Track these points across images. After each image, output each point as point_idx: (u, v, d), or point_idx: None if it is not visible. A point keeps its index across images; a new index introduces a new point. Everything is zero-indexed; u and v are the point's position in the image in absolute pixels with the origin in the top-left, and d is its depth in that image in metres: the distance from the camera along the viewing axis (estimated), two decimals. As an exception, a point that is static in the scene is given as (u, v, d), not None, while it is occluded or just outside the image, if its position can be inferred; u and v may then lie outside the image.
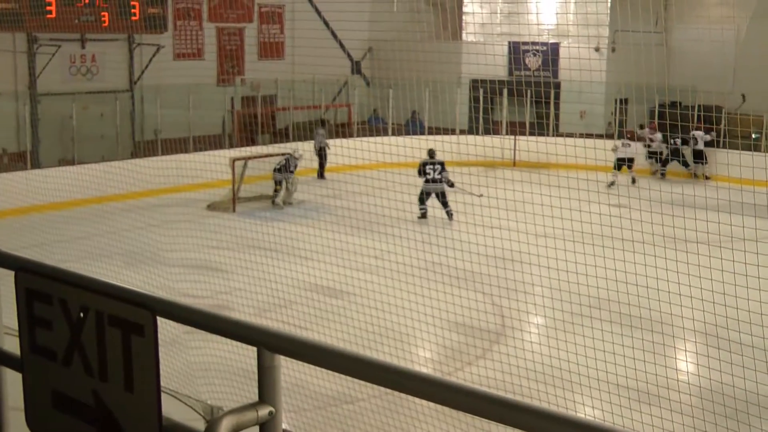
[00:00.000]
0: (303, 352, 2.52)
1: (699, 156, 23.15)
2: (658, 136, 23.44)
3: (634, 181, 21.36)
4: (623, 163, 22.53)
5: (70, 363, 2.53)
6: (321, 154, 22.78)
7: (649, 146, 23.72)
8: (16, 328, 2.66)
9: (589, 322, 9.98)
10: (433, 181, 18.31)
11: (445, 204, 18.24)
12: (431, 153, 18.67)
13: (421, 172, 18.45)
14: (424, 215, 18.29)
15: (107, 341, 2.45)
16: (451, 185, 18.15)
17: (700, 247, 10.39)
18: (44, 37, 20.66)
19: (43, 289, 2.56)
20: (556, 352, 9.41)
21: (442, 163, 18.53)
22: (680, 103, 24.05)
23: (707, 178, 21.66)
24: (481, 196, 14.08)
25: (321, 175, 22.87)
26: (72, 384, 2.55)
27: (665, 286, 9.67)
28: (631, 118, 24.84)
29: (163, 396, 2.38)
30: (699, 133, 23.10)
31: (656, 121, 23.28)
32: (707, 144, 23.43)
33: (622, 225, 11.04)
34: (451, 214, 17.91)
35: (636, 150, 22.93)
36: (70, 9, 20.74)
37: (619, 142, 22.87)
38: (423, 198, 18.41)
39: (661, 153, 23.87)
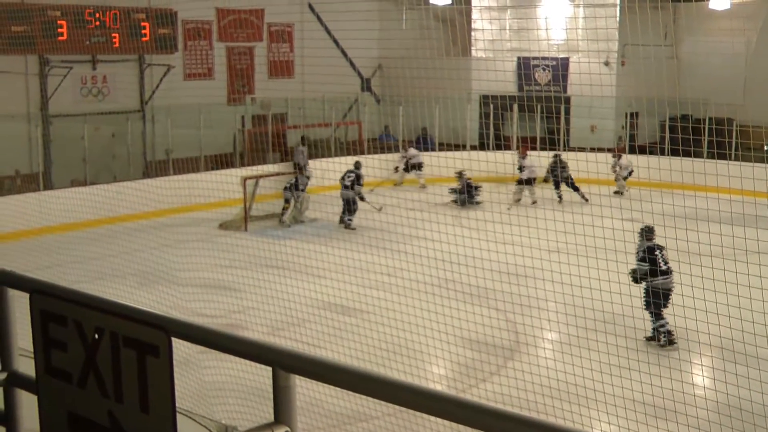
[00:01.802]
0: (318, 371, 2.52)
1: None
2: (526, 162, 21.91)
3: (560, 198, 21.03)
4: (522, 183, 21.84)
5: (85, 384, 2.52)
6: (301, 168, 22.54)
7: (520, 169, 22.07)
8: (31, 350, 2.65)
9: (604, 337, 9.91)
10: (345, 187, 19.25)
11: (350, 211, 19.18)
12: (357, 164, 19.86)
13: (342, 179, 19.45)
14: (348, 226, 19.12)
15: (122, 362, 2.44)
16: (362, 199, 19.22)
17: (713, 260, 10.32)
18: (56, 59, 20.79)
19: (58, 310, 2.56)
20: (571, 368, 9.36)
21: (359, 176, 19.49)
22: (691, 116, 24.02)
23: (585, 199, 20.24)
24: (380, 209, 14.23)
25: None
26: (87, 405, 2.54)
27: (680, 301, 9.62)
28: (642, 131, 24.81)
29: (178, 416, 2.37)
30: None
31: (528, 144, 23.15)
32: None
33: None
34: (349, 225, 19.01)
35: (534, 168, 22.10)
36: (81, 31, 20.87)
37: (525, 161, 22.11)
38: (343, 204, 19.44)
39: (534, 179, 22.13)
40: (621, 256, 10.83)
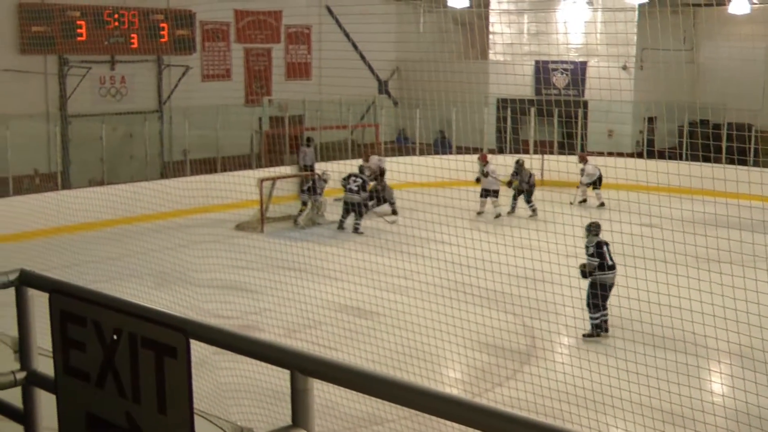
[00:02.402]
0: (337, 375, 2.50)
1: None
2: (490, 168, 20.78)
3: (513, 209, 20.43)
4: (487, 195, 20.62)
5: (103, 385, 2.52)
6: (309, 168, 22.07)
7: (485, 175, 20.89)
8: (50, 349, 2.65)
9: (621, 343, 9.86)
10: (350, 191, 19.02)
11: (360, 215, 18.97)
12: (361, 169, 19.81)
13: (346, 181, 19.19)
14: (341, 227, 19.03)
15: (140, 363, 2.43)
16: (367, 207, 19.33)
17: (733, 267, 10.24)
18: (75, 59, 20.90)
19: (77, 311, 2.55)
20: (588, 374, 9.31)
21: (365, 181, 19.41)
22: (710, 121, 23.87)
23: (533, 211, 19.77)
24: (394, 222, 13.93)
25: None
26: (105, 406, 2.54)
27: (697, 306, 9.55)
28: (661, 136, 24.68)
29: (195, 417, 2.36)
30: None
31: (487, 153, 22.22)
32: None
33: (654, 245, 10.92)
34: (357, 229, 18.77)
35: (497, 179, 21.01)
36: (100, 31, 20.98)
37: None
38: (345, 208, 19.15)
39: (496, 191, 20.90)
40: (637, 261, 10.75)
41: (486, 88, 24.14)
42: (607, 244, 12.02)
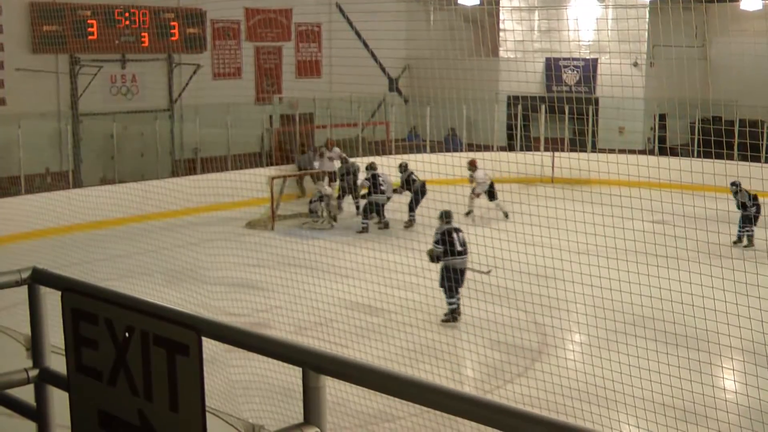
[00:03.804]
0: (349, 372, 2.50)
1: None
2: (478, 175, 19.94)
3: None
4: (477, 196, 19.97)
5: (115, 383, 2.53)
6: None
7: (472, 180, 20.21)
8: (63, 347, 2.66)
9: (633, 340, 9.83)
10: (382, 192, 18.98)
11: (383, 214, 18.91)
12: (371, 165, 19.46)
13: (374, 183, 18.92)
14: (365, 229, 18.67)
15: (152, 361, 2.44)
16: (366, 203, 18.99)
17: (744, 263, 10.21)
18: (86, 58, 20.96)
19: (89, 309, 2.56)
20: (599, 371, 9.29)
21: (376, 176, 19.16)
22: (722, 118, 23.76)
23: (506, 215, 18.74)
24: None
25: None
26: (117, 403, 2.54)
27: (708, 303, 9.51)
28: (672, 133, 24.59)
29: (206, 415, 2.36)
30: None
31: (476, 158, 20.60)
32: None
33: (665, 242, 10.90)
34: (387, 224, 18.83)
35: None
36: (111, 30, 21.04)
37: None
38: (377, 210, 18.92)
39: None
40: (649, 258, 10.72)
41: (497, 85, 24.13)
42: (458, 231, 12.68)
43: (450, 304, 12.45)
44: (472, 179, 19.99)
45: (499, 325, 10.71)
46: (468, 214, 19.44)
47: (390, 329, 11.06)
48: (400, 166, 19.65)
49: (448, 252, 12.41)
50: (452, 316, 12.40)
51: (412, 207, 19.01)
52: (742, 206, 16.90)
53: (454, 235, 12.58)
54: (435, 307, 11.40)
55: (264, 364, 8.32)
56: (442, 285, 12.45)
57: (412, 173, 19.33)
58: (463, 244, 12.62)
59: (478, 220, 18.82)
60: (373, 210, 18.92)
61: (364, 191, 19.56)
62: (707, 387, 8.99)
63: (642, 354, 9.45)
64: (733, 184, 16.78)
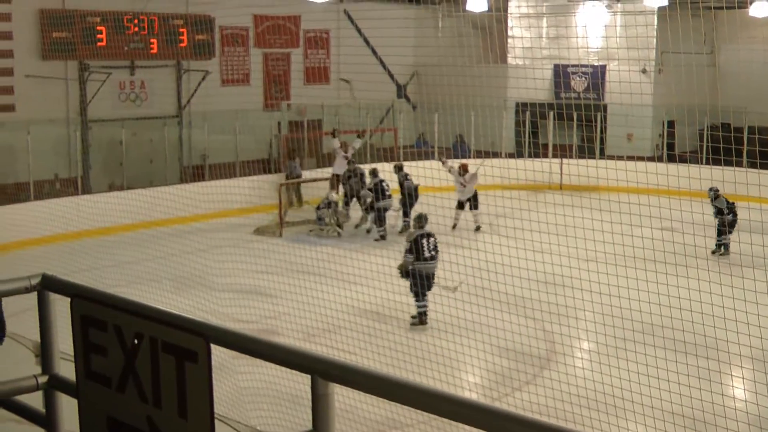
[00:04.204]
0: (357, 379, 2.50)
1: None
2: (466, 177, 19.34)
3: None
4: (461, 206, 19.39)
5: (124, 389, 2.53)
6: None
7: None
8: (72, 353, 2.66)
9: (641, 347, 9.80)
10: (389, 197, 18.79)
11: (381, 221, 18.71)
12: (373, 172, 19.16)
13: (381, 189, 18.71)
14: (384, 237, 18.52)
15: (161, 368, 2.44)
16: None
17: (753, 271, 10.17)
18: (95, 65, 21.04)
19: (99, 315, 2.56)
20: (607, 378, 9.26)
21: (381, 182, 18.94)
22: (731, 125, 23.70)
23: (478, 228, 18.72)
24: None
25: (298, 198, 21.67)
26: (126, 410, 2.55)
27: (717, 311, 9.48)
28: (681, 140, 24.55)
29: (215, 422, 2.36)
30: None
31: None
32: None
33: (674, 249, 10.87)
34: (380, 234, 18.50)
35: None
36: (120, 37, 21.13)
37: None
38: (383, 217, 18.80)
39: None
40: (657, 265, 10.68)
41: (505, 91, 24.11)
42: (429, 236, 12.85)
43: (419, 307, 12.68)
44: (450, 170, 19.30)
45: (507, 333, 10.68)
46: (454, 227, 18.86)
47: (398, 336, 11.05)
48: (395, 167, 19.67)
49: (417, 257, 12.68)
50: (420, 319, 12.62)
51: (406, 212, 18.87)
52: (719, 212, 16.74)
53: (424, 241, 12.80)
54: (443, 314, 11.40)
55: (272, 370, 8.32)
56: (411, 289, 12.73)
57: (407, 175, 19.36)
58: (433, 249, 12.86)
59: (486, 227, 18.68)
60: (383, 216, 18.87)
61: (369, 200, 19.48)
62: (716, 395, 8.96)
63: (651, 362, 9.42)
64: (711, 189, 16.58)
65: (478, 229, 18.71)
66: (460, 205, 19.31)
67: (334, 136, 21.49)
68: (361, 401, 7.84)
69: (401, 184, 19.33)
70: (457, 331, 10.77)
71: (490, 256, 11.73)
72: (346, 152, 20.81)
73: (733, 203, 16.81)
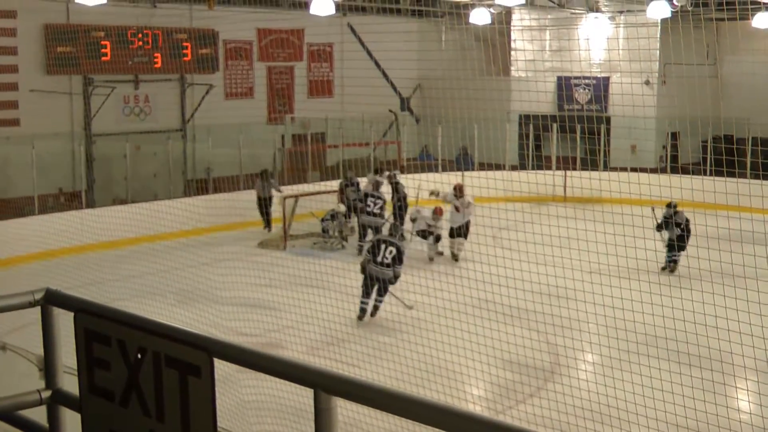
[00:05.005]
0: (360, 394, 2.50)
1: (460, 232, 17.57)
2: (465, 202, 17.74)
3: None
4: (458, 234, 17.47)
5: (127, 404, 2.54)
6: (266, 203, 20.60)
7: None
8: (75, 368, 2.67)
9: (645, 360, 9.79)
10: (372, 214, 18.24)
11: (364, 236, 18.11)
12: (377, 185, 18.81)
13: (362, 203, 18.37)
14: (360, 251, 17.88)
15: (164, 382, 2.45)
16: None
17: (759, 283, 10.16)
18: (99, 79, 21.12)
19: (102, 330, 2.57)
20: (611, 391, 9.24)
21: (384, 201, 18.42)
22: (734, 136, 23.71)
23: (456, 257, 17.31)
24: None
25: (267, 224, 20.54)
26: (130, 424, 2.55)
27: (721, 323, 9.47)
28: (684, 151, 24.56)
29: (218, 436, 2.37)
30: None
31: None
32: None
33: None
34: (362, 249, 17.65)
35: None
36: (124, 51, 21.21)
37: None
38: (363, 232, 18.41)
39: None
40: (661, 277, 10.69)
41: (508, 104, 24.16)
42: (389, 243, 13.45)
43: (362, 303, 13.28)
44: (446, 198, 17.71)
45: (511, 345, 10.67)
46: (457, 258, 17.23)
47: (402, 349, 11.04)
48: (389, 175, 19.46)
49: (373, 260, 13.37)
50: (360, 314, 13.23)
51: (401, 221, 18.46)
52: (677, 226, 16.00)
53: (382, 246, 13.43)
54: (447, 327, 11.37)
55: (276, 384, 8.31)
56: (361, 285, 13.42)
57: (399, 182, 19.21)
58: (393, 259, 13.37)
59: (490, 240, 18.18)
60: (365, 231, 18.27)
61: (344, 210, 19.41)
62: (721, 407, 8.93)
63: (655, 374, 9.40)
64: (669, 206, 16.09)
65: (455, 258, 17.09)
66: (453, 233, 17.42)
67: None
68: (366, 414, 7.82)
69: (395, 190, 19.04)
70: (460, 344, 10.74)
71: (494, 269, 11.73)
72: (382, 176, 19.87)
73: (688, 219, 16.11)
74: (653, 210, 16.12)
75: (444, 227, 17.60)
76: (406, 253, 14.07)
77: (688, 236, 16.02)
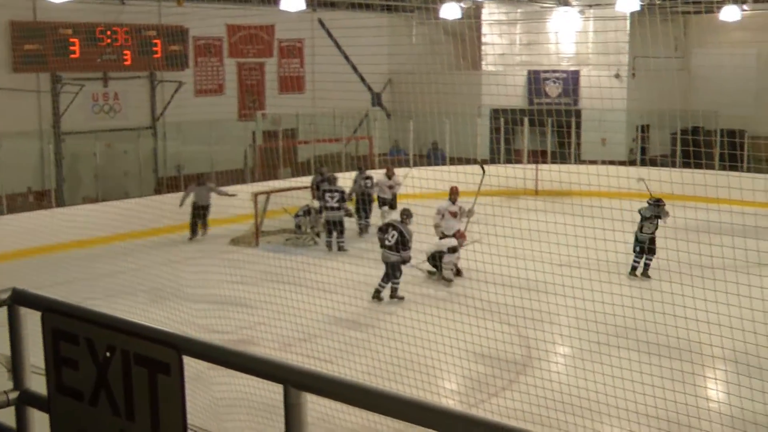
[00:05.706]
0: (329, 389, 2.52)
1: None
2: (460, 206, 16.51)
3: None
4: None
5: (96, 403, 2.53)
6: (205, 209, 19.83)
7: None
8: (43, 367, 2.66)
9: (616, 351, 9.88)
10: (330, 208, 18.34)
11: (341, 232, 18.38)
12: (331, 180, 18.91)
13: (320, 198, 18.62)
14: (329, 247, 18.39)
15: (134, 380, 2.45)
16: (349, 215, 18.71)
17: (726, 273, 10.28)
18: (68, 77, 20.92)
19: (70, 329, 2.57)
20: (583, 382, 9.32)
21: (343, 193, 18.59)
22: (703, 128, 23.96)
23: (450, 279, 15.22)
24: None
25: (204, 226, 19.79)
26: (99, 424, 2.55)
27: (691, 313, 9.58)
28: (654, 144, 24.77)
29: (190, 434, 2.37)
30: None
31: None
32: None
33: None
34: (342, 247, 18.12)
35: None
36: (93, 49, 21.01)
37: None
38: (328, 228, 18.59)
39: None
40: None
41: (479, 98, 24.21)
42: (393, 227, 14.15)
43: (378, 285, 14.20)
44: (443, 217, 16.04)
45: (484, 339, 10.72)
46: (459, 273, 15.15)
47: (374, 344, 11.05)
48: (359, 170, 20.10)
49: (382, 245, 14.22)
50: (374, 294, 14.09)
51: (362, 214, 19.46)
52: (656, 218, 15.22)
53: (389, 229, 14.16)
54: (419, 321, 11.41)
55: (248, 381, 8.30)
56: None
57: (368, 177, 19.64)
58: (392, 240, 14.01)
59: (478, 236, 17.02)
60: (330, 226, 18.45)
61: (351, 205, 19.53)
62: (692, 397, 9.04)
63: (627, 365, 9.50)
64: (657, 203, 15.38)
65: (449, 280, 14.89)
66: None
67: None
68: (338, 409, 7.85)
69: (364, 185, 19.65)
70: (432, 338, 10.78)
71: (465, 263, 11.78)
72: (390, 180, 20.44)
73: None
74: (642, 181, 16.01)
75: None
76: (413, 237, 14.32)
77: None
